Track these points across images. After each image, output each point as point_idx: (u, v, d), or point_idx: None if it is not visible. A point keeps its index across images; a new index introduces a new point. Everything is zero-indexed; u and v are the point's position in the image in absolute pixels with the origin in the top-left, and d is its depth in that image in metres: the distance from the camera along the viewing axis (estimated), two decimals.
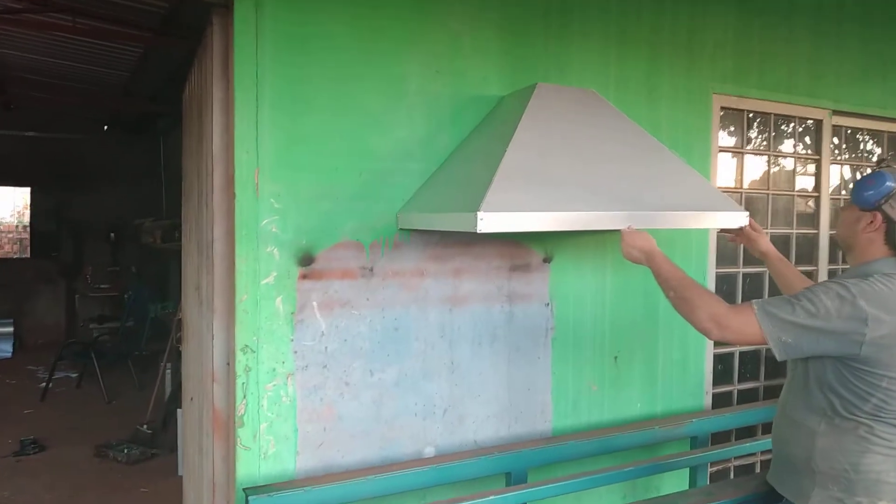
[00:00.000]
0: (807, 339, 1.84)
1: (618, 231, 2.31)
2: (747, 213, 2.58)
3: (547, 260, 2.96)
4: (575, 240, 3.02)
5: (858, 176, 4.35)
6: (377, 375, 2.59)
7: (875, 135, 4.29)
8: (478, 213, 2.04)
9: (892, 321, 1.80)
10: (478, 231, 2.05)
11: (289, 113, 2.42)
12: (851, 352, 1.83)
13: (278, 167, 2.40)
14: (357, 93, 2.54)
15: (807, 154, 3.90)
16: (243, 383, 2.34)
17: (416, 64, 2.65)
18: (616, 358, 3.16)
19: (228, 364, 2.45)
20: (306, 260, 2.45)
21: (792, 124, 3.83)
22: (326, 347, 2.49)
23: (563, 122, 2.55)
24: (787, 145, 3.88)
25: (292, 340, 2.42)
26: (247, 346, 2.35)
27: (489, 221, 2.07)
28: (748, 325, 1.87)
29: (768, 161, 3.79)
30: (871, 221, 1.95)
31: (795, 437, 2.06)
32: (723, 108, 3.49)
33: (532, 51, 2.89)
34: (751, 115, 3.66)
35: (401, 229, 2.61)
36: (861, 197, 1.95)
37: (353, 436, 2.54)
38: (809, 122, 3.88)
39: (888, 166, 1.99)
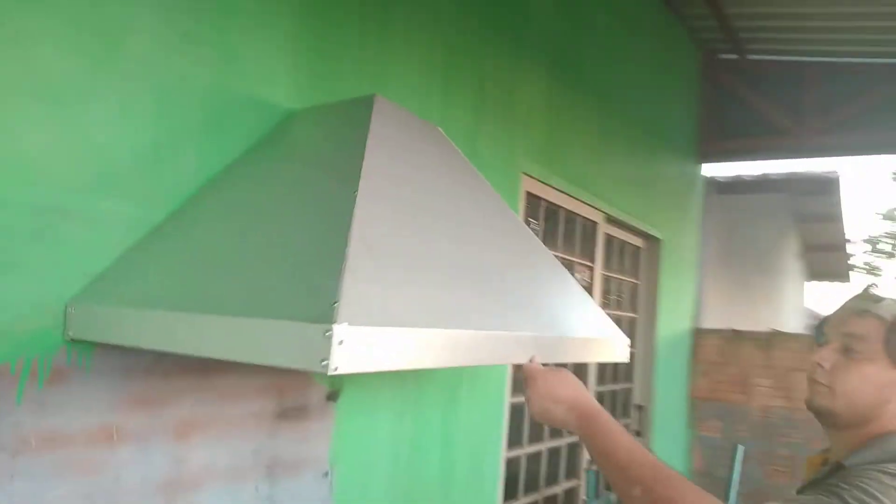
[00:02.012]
0: None
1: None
2: (628, 340, 1.79)
3: (332, 397, 1.75)
4: None
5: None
6: None
7: (628, 247, 4.05)
8: (333, 327, 0.83)
9: None
10: (331, 372, 0.84)
11: None
12: None
13: None
14: (22, 37, 1.12)
15: (582, 261, 3.39)
16: None
17: (149, 12, 1.32)
18: None
19: None
20: None
21: (576, 222, 3.31)
22: None
23: (412, 168, 1.46)
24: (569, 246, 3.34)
25: None
26: None
27: (357, 351, 0.88)
28: None
29: None
30: None
31: None
32: (527, 193, 2.77)
33: (341, 56, 1.77)
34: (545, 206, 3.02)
35: (73, 341, 1.19)
36: None
37: None
38: (587, 223, 3.41)
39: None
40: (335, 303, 0.88)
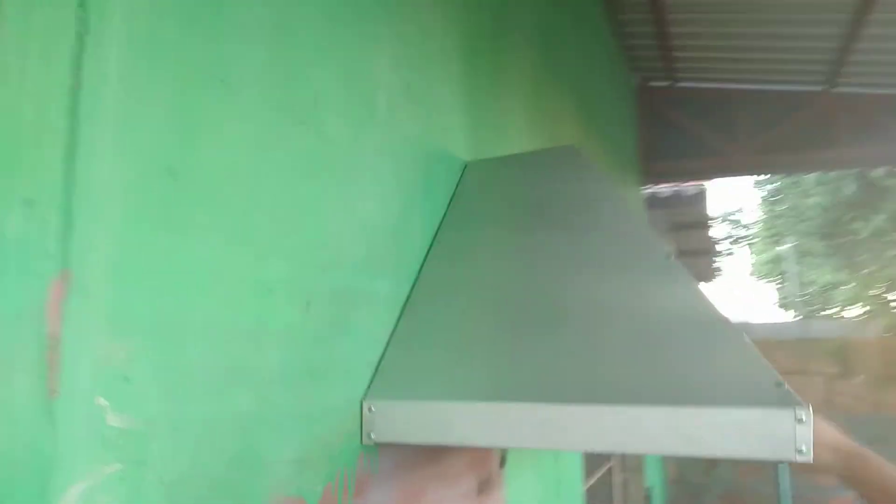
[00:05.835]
0: None
1: None
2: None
3: (502, 463, 1.65)
4: None
5: None
6: None
7: None
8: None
9: None
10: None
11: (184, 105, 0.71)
12: None
13: (134, 275, 0.65)
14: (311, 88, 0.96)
15: None
16: None
17: (386, 64, 1.20)
18: None
19: None
20: None
21: None
22: None
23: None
24: None
25: None
26: None
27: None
28: None
29: None
30: None
31: None
32: None
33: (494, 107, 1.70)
34: None
35: (367, 445, 1.03)
36: None
37: None
38: None
39: None
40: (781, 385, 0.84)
